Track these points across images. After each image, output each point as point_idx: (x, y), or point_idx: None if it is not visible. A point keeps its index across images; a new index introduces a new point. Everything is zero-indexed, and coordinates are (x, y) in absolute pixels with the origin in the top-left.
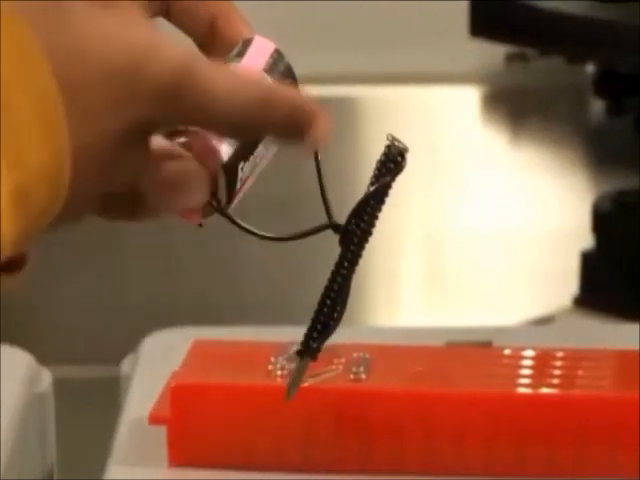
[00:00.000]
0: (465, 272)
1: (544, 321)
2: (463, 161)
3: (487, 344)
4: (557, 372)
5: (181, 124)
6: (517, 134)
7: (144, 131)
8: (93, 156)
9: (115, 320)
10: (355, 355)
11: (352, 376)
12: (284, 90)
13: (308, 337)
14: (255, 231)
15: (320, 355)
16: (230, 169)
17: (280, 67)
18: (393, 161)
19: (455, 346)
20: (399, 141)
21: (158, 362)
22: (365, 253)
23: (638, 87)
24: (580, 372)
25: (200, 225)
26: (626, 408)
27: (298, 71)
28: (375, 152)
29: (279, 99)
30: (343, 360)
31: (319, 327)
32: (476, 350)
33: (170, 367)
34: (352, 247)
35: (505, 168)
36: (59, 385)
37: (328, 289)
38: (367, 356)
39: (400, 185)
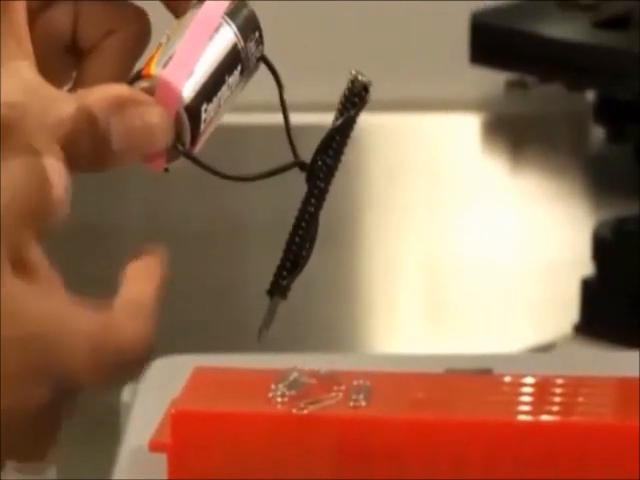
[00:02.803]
0: (465, 299)
1: (545, 348)
2: (463, 188)
3: (487, 371)
4: (557, 399)
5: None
6: (517, 161)
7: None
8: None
9: None
10: (355, 382)
11: (352, 403)
12: None
13: (277, 276)
14: (219, 172)
15: (320, 382)
16: (193, 110)
17: (243, 12)
18: (357, 95)
19: (455, 373)
20: (363, 75)
21: (159, 389)
22: (365, 279)
23: (638, 114)
24: (580, 399)
25: (166, 170)
26: (626, 435)
27: (297, 99)
28: (376, 180)
29: None
30: (343, 387)
31: (288, 265)
32: (476, 377)
33: (170, 394)
34: (319, 183)
35: (505, 195)
36: None
37: (296, 227)
38: (367, 383)
39: (400, 211)
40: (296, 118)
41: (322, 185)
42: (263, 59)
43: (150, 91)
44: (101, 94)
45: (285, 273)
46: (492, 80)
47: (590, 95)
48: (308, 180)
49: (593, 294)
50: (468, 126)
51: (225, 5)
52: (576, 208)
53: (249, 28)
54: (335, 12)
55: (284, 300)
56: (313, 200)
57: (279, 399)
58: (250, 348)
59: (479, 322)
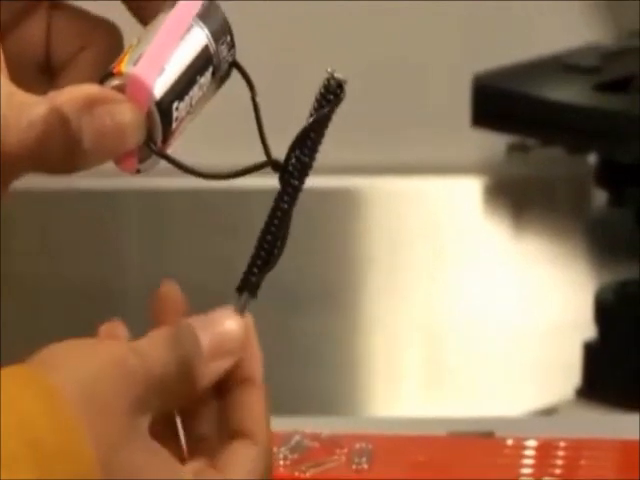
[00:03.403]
0: (467, 363)
1: (546, 411)
2: (464, 251)
3: (489, 434)
4: (559, 462)
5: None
6: (519, 224)
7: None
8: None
9: None
10: (357, 445)
11: (354, 466)
12: None
13: (248, 273)
14: (194, 169)
15: (322, 445)
16: (164, 108)
17: (214, 15)
18: (332, 93)
19: (457, 436)
20: (337, 73)
21: None
22: (366, 342)
23: (639, 178)
24: (582, 462)
25: (138, 171)
26: None
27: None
28: (377, 243)
29: None
30: (345, 450)
31: (259, 263)
32: (478, 440)
33: None
34: (292, 181)
35: (507, 259)
36: None
37: (268, 224)
38: (369, 446)
39: (402, 274)
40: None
41: (296, 183)
42: (235, 64)
43: (121, 89)
44: (71, 94)
45: (256, 270)
46: (493, 143)
47: (591, 158)
48: (281, 178)
49: (595, 357)
50: (469, 189)
51: (197, 7)
52: (578, 271)
53: (220, 30)
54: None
55: (254, 298)
56: (286, 197)
57: (282, 462)
58: None
59: (480, 385)
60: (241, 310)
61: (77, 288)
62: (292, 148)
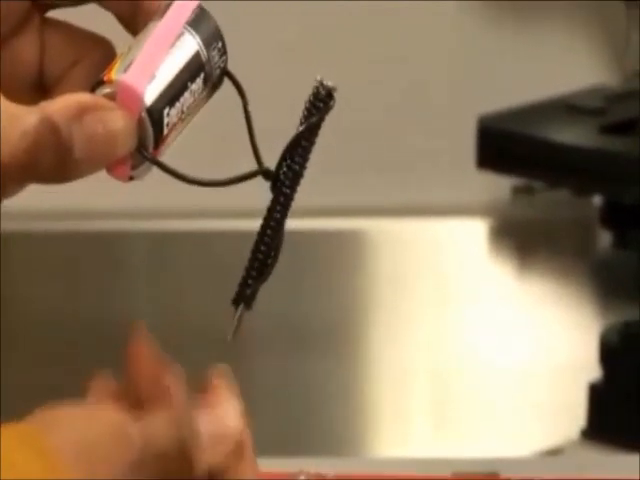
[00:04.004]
0: (472, 403)
1: (551, 452)
2: (470, 293)
3: (494, 475)
4: None
5: None
6: (524, 266)
7: None
8: None
9: None
10: None
11: None
12: None
13: (243, 285)
14: (185, 176)
15: None
16: (155, 114)
17: (205, 22)
18: (322, 100)
19: (462, 477)
20: (327, 81)
21: None
22: (371, 383)
23: None
24: None
25: (131, 178)
26: None
27: (302, 203)
28: (382, 285)
29: None
30: None
31: (254, 274)
32: None
33: None
34: (285, 190)
35: (511, 300)
36: None
37: (262, 235)
38: None
39: (406, 315)
40: (304, 223)
41: (288, 192)
42: (226, 72)
43: (112, 96)
44: (62, 103)
45: (250, 282)
46: (498, 185)
47: (596, 200)
48: (273, 188)
49: (600, 398)
50: (474, 231)
51: (187, 14)
52: (582, 312)
53: (211, 37)
54: (338, 118)
55: (249, 310)
56: (279, 207)
57: None
58: (257, 452)
59: (485, 425)
60: (237, 322)
61: (81, 329)
62: (283, 157)
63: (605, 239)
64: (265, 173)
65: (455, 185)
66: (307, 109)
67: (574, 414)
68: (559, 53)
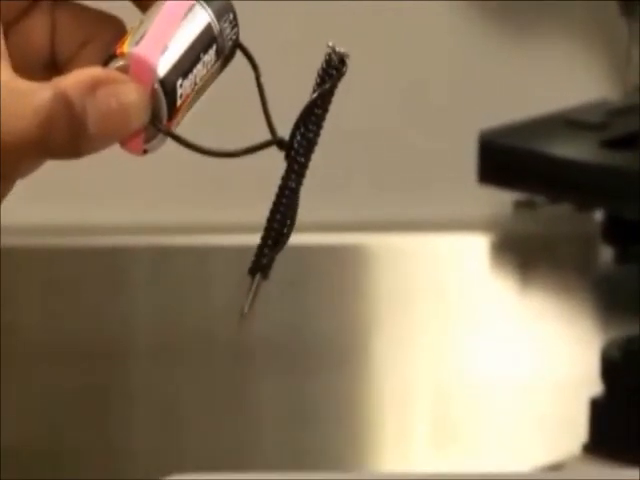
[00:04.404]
0: (474, 418)
1: (553, 468)
2: (471, 308)
3: None
4: None
5: None
6: (525, 281)
7: None
8: None
9: (125, 465)
10: None
11: None
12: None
13: (259, 254)
14: (200, 147)
15: None
16: (169, 85)
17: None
18: (335, 67)
19: None
20: (339, 47)
21: None
22: (373, 399)
23: None
24: None
25: (145, 152)
26: None
27: (303, 218)
28: (384, 301)
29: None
30: None
31: (270, 243)
32: None
33: None
34: (299, 158)
35: (513, 315)
36: None
37: (277, 204)
38: None
39: (408, 331)
40: (306, 238)
41: (302, 160)
42: (239, 45)
43: (124, 69)
44: (75, 78)
45: (266, 251)
46: (500, 200)
47: (598, 215)
48: (287, 156)
49: (601, 413)
50: (476, 246)
51: None
52: (584, 327)
53: (223, 9)
54: (339, 135)
55: (265, 280)
56: (293, 175)
57: None
58: (258, 467)
59: (486, 440)
60: (254, 292)
61: (80, 346)
62: (297, 125)
63: (606, 254)
64: (279, 143)
65: (456, 200)
66: (320, 76)
67: (575, 429)
68: (560, 68)
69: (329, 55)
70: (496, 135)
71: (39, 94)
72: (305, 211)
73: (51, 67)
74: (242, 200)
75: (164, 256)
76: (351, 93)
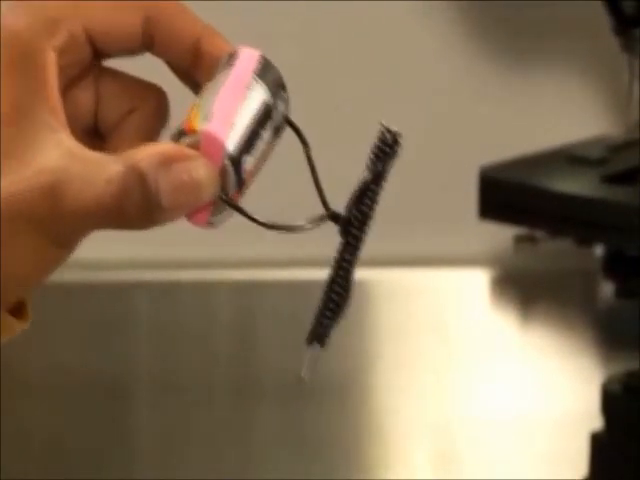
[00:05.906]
0: (475, 453)
1: None
2: (472, 343)
3: None
4: None
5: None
6: (526, 316)
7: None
8: None
9: None
10: None
11: None
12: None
13: (316, 326)
14: (264, 222)
15: None
16: (236, 162)
17: (271, 72)
18: (389, 145)
19: None
20: (393, 126)
21: None
22: (372, 435)
23: None
24: None
25: (210, 224)
26: None
27: (304, 253)
28: (384, 336)
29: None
30: None
31: (328, 314)
32: None
33: None
34: (355, 232)
35: (514, 350)
36: None
37: (333, 279)
38: None
39: (408, 366)
40: (306, 274)
41: (359, 235)
42: (287, 120)
43: (195, 146)
44: (148, 152)
45: (326, 322)
46: (501, 235)
47: (599, 250)
48: (342, 232)
49: (602, 448)
50: (477, 281)
51: (254, 64)
52: (585, 362)
53: (277, 86)
54: (340, 169)
55: (322, 348)
56: (350, 251)
57: None
58: None
59: (488, 476)
60: (314, 362)
61: (82, 383)
62: (353, 202)
63: (607, 289)
64: (333, 216)
65: (457, 235)
66: (374, 154)
67: (576, 464)
68: (560, 104)
69: (382, 133)
70: (497, 170)
71: (111, 165)
72: (304, 246)
73: (94, 133)
74: (242, 236)
75: (166, 292)
76: (356, 136)
